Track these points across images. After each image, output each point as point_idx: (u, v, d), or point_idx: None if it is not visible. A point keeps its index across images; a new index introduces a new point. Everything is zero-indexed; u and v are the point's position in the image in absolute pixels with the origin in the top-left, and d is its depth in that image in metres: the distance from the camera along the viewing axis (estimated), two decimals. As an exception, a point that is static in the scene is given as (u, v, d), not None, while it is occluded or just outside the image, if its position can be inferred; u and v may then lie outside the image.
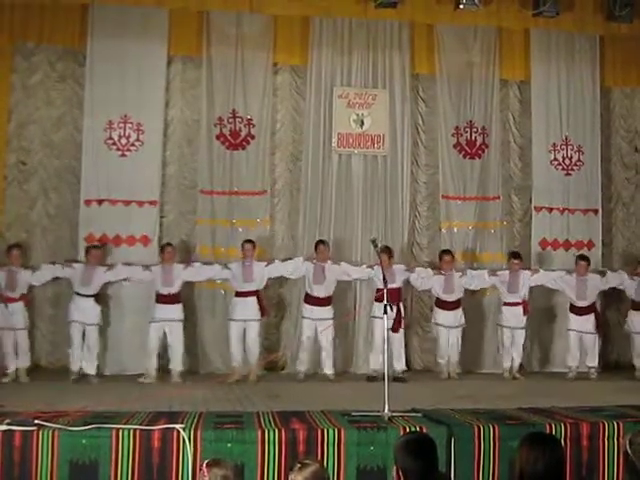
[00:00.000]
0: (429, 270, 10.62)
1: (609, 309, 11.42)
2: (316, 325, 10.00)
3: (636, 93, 12.15)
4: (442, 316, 10.36)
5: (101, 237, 10.28)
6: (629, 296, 10.75)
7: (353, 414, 6.59)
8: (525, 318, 10.44)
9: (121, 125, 10.55)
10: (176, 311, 9.84)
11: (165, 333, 9.75)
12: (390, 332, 9.63)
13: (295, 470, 4.03)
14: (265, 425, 6.08)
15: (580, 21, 10.94)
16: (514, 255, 10.61)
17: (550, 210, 11.45)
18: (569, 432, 6.23)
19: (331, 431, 5.96)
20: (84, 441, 5.71)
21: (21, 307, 9.56)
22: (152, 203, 10.57)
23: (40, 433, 5.69)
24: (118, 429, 5.79)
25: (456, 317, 10.35)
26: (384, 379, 6.79)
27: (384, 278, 7.35)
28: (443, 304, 10.39)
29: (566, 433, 6.21)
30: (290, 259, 10.46)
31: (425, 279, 10.47)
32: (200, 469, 4.09)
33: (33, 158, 10.64)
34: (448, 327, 10.29)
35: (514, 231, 11.67)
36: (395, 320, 9.83)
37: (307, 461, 4.12)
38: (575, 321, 10.48)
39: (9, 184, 10.53)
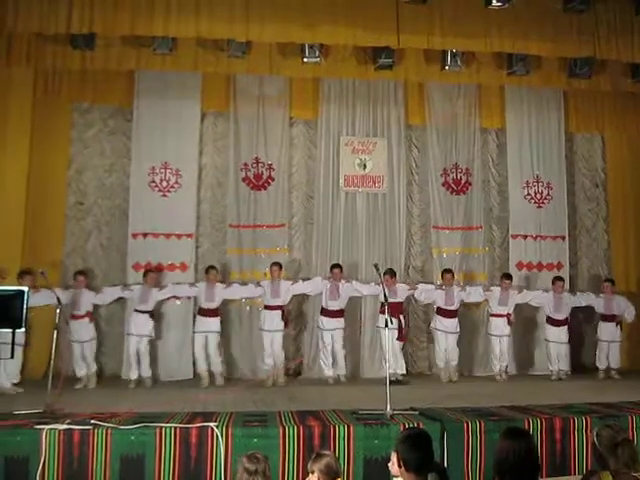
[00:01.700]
0: (430, 285, 10.63)
1: (579, 321, 11.30)
2: (332, 334, 10.00)
3: (595, 138, 12.18)
4: (442, 323, 10.28)
5: (146, 264, 10.28)
6: (597, 311, 10.71)
7: (360, 412, 6.56)
8: (509, 328, 10.39)
9: (162, 170, 10.62)
10: (215, 324, 9.83)
11: (206, 342, 9.73)
12: (395, 340, 9.75)
13: (311, 461, 4.02)
14: (285, 423, 6.06)
15: (547, 78, 10.94)
16: (506, 276, 10.58)
17: (525, 237, 11.43)
18: (544, 426, 6.19)
19: (342, 427, 5.94)
20: (132, 438, 5.72)
21: (86, 322, 9.56)
22: (189, 236, 10.60)
23: (95, 431, 5.71)
24: (161, 427, 5.79)
25: (453, 324, 10.26)
26: (386, 382, 6.77)
27: (384, 295, 7.43)
28: (444, 312, 10.28)
29: (541, 427, 6.17)
30: (310, 279, 10.45)
31: (428, 292, 10.42)
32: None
33: (89, 199, 10.74)
34: (446, 332, 10.20)
35: (494, 255, 11.63)
36: (399, 330, 9.91)
37: (322, 453, 4.12)
38: (552, 332, 10.45)
39: (69, 220, 10.62)
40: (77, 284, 9.59)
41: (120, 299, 10.02)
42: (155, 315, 9.88)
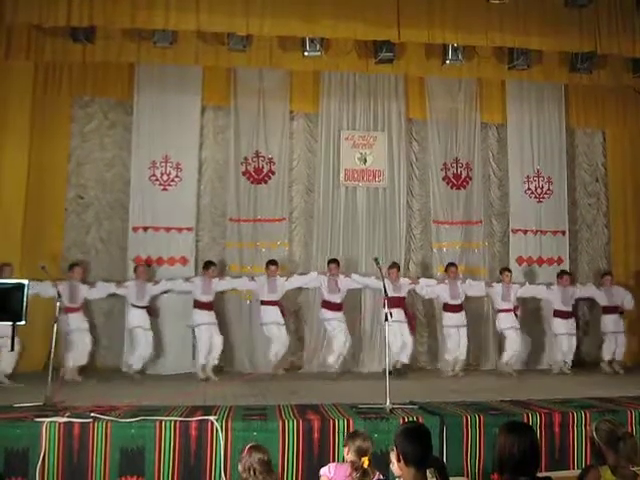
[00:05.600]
0: (433, 280, 10.62)
1: (580, 315, 11.31)
2: (332, 325, 10.03)
3: (596, 133, 12.19)
4: (451, 318, 10.26)
5: (147, 258, 10.31)
6: (600, 303, 10.74)
7: (360, 406, 6.57)
8: (517, 321, 10.39)
9: (163, 164, 10.61)
10: (213, 315, 9.84)
11: (211, 334, 9.71)
12: (407, 330, 9.94)
13: (347, 438, 4.48)
14: (285, 416, 6.07)
15: (548, 73, 10.94)
16: (506, 270, 10.61)
17: (525, 232, 11.43)
18: (543, 420, 6.19)
19: (341, 421, 5.94)
20: (132, 431, 5.72)
21: (81, 315, 9.53)
22: (189, 229, 10.60)
23: (95, 424, 5.71)
24: (161, 420, 5.80)
25: (462, 318, 10.27)
26: (385, 376, 6.77)
27: (384, 288, 7.41)
28: (451, 308, 10.28)
29: (541, 421, 6.17)
30: (305, 274, 10.48)
31: (431, 288, 10.43)
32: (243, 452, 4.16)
33: (89, 193, 10.74)
34: (457, 326, 10.19)
35: (494, 250, 11.62)
36: (410, 321, 10.05)
37: (356, 432, 4.43)
38: (561, 324, 10.41)
39: (69, 214, 10.62)
40: (73, 275, 9.55)
41: (113, 295, 9.97)
42: (152, 310, 9.89)
